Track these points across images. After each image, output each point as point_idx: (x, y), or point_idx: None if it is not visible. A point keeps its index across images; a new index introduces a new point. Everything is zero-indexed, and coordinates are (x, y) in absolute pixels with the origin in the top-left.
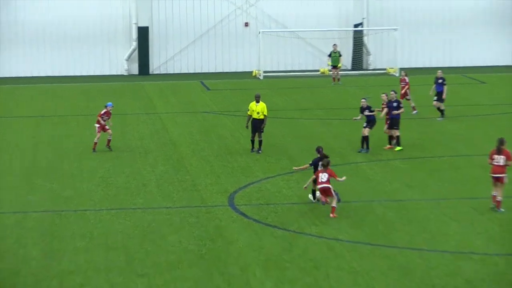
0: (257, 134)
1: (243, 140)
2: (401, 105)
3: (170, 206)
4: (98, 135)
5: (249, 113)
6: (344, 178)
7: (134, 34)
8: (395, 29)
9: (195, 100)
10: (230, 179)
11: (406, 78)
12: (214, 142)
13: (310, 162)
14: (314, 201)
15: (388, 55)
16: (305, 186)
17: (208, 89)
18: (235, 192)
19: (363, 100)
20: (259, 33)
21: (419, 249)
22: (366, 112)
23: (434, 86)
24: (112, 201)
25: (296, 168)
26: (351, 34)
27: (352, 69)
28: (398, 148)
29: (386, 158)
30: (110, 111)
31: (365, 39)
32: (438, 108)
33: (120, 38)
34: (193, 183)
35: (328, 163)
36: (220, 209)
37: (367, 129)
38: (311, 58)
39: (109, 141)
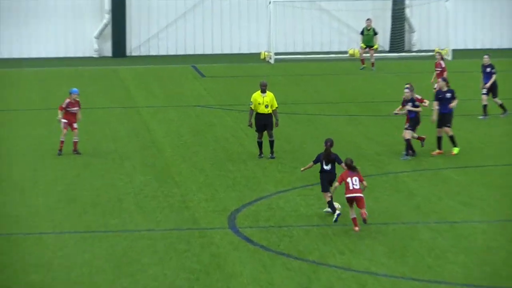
0: (266, 133)
1: (248, 142)
2: (455, 96)
3: (153, 229)
4: (65, 131)
5: (252, 106)
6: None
7: (107, 5)
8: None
9: (186, 90)
10: (230, 194)
11: (442, 62)
12: (210, 145)
13: (314, 159)
14: (335, 213)
15: (437, 32)
16: (329, 195)
17: (203, 75)
18: (237, 210)
19: (406, 89)
20: (269, 3)
21: (479, 287)
22: (408, 106)
23: (481, 76)
24: (77, 222)
25: (303, 168)
26: (389, 5)
27: (390, 51)
28: (456, 149)
29: (435, 167)
30: (77, 100)
31: (408, 11)
32: (500, 105)
33: (88, 9)
34: (182, 199)
35: (352, 163)
36: (217, 233)
37: (408, 131)
38: (337, 36)
39: (75, 143)
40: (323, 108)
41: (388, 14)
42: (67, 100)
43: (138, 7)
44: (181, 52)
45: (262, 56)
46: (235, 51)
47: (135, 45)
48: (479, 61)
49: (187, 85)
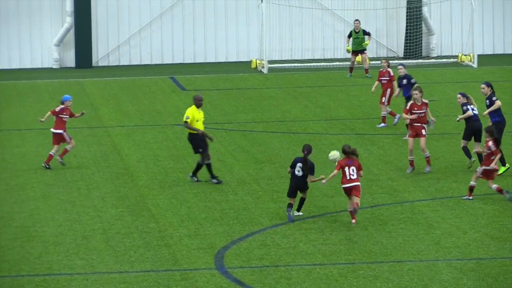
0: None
1: (238, 167)
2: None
3: (126, 271)
4: (56, 147)
5: (189, 120)
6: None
7: (68, 6)
8: None
9: (163, 107)
10: (217, 228)
11: (390, 70)
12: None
13: (291, 164)
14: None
15: (460, 35)
16: (324, 181)
17: (183, 89)
18: (225, 248)
19: (459, 96)
20: (261, 1)
21: None
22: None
23: (398, 90)
24: (37, 263)
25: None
26: (403, 3)
27: (405, 57)
28: (503, 169)
29: (458, 194)
30: (69, 108)
31: (425, 10)
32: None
33: (46, 11)
34: (161, 235)
35: (350, 149)
36: (202, 274)
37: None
38: (342, 41)
39: (65, 151)
40: (328, 126)
41: (403, 13)
42: (60, 107)
43: (105, 8)
44: (157, 61)
45: (253, 65)
46: (221, 59)
47: (102, 53)
48: (509, 69)
49: (165, 101)
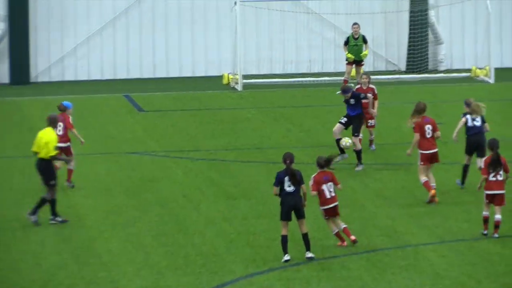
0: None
1: (206, 204)
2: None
3: None
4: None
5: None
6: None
7: (1, 9)
8: None
9: (117, 131)
10: (181, 279)
11: (373, 86)
12: (151, 210)
13: (274, 181)
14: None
15: (474, 44)
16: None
17: (141, 109)
18: None
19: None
20: (235, 4)
21: None
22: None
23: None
24: None
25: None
26: (406, 6)
27: (408, 71)
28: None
29: (471, 236)
30: (69, 116)
31: (432, 14)
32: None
33: None
34: (113, 286)
35: (325, 161)
36: None
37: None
38: (333, 51)
39: (70, 173)
40: (315, 154)
41: (405, 18)
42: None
43: (46, 12)
44: (108, 76)
45: (225, 81)
46: (187, 73)
47: (43, 67)
48: None
49: (119, 124)
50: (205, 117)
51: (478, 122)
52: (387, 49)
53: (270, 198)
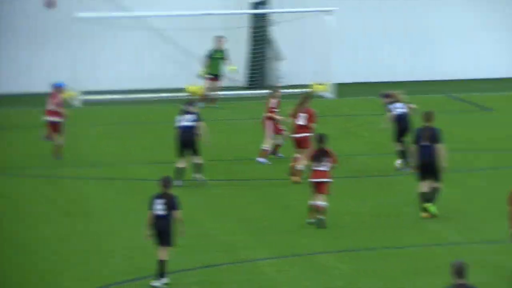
0: None
1: (42, 220)
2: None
3: None
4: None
5: None
6: None
7: None
8: (329, 11)
9: None
10: None
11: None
12: None
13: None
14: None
15: (315, 60)
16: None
17: None
18: None
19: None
20: (73, 19)
21: None
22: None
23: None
24: None
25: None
26: (246, 22)
27: (248, 86)
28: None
29: (308, 250)
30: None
31: (273, 31)
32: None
33: None
34: None
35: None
36: None
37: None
38: (171, 67)
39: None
40: (155, 171)
41: (243, 33)
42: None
43: None
44: None
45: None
46: (16, 89)
47: None
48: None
49: None
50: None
51: (404, 109)
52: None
53: (107, 215)
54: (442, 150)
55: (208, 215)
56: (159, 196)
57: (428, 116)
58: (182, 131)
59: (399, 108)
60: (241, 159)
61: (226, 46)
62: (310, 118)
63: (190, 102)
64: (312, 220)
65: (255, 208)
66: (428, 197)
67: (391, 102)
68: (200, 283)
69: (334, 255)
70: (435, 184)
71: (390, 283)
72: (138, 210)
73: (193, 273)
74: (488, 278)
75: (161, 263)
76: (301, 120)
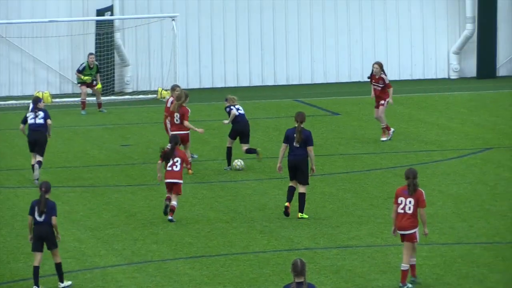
0: None
1: None
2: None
3: None
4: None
5: None
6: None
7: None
8: (173, 18)
9: None
10: None
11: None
12: None
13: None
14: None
15: (160, 67)
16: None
17: None
18: None
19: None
20: None
21: None
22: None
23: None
24: None
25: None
26: (92, 29)
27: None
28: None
29: (157, 257)
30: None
31: (118, 37)
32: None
33: None
34: None
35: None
36: None
37: None
38: (20, 74)
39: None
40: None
41: (92, 40)
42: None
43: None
44: None
45: None
46: None
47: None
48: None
49: None
50: None
51: (242, 111)
52: (73, 72)
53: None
54: (312, 152)
55: (60, 222)
56: (37, 202)
57: (300, 117)
58: (33, 129)
59: (239, 110)
60: (86, 165)
61: (95, 61)
62: (184, 116)
63: (36, 99)
64: (170, 218)
65: (101, 215)
66: (291, 195)
67: (231, 105)
68: None
69: (184, 261)
70: (301, 189)
71: None
72: None
73: (44, 280)
74: (340, 284)
75: (58, 265)
76: (177, 119)
